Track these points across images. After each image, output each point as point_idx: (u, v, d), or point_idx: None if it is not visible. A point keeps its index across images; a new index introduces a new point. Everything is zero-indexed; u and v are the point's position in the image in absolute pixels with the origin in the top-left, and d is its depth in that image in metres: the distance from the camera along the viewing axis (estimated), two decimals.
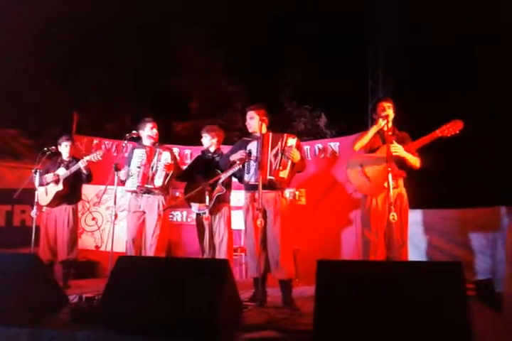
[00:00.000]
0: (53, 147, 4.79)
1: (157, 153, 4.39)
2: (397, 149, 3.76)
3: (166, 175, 4.33)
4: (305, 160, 4.16)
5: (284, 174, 3.78)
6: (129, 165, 4.40)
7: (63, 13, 7.35)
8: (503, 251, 4.22)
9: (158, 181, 4.30)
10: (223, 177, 4.31)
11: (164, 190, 4.42)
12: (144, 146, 4.48)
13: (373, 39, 8.17)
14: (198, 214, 4.58)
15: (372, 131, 3.98)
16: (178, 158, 5.82)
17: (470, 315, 2.14)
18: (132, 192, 4.42)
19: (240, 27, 8.97)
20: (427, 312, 2.17)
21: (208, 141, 4.67)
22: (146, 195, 4.40)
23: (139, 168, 4.33)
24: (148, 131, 4.49)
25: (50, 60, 7.72)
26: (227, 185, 4.48)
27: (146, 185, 4.30)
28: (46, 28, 7.16)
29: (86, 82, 8.21)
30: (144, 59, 9.13)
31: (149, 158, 4.37)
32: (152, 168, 4.35)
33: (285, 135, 3.90)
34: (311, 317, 2.39)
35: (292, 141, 3.87)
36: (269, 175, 3.76)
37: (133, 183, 4.33)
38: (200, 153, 4.95)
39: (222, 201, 4.49)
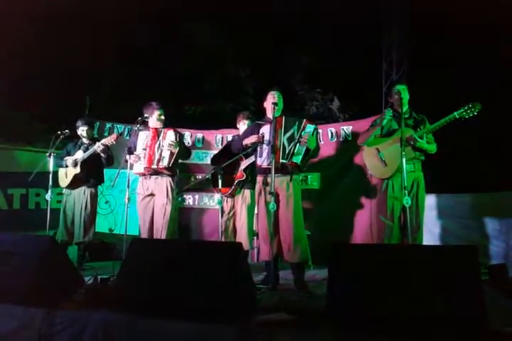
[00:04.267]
0: (67, 130, 4.82)
1: (162, 134, 4.39)
2: (420, 144, 3.77)
3: (171, 155, 4.32)
4: (319, 147, 4.14)
5: (297, 159, 3.77)
6: (135, 149, 4.42)
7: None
8: None
9: (164, 161, 4.30)
10: (244, 164, 4.35)
11: (171, 170, 4.42)
12: (149, 128, 4.49)
13: (388, 21, 8.03)
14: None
15: (375, 129, 4.00)
16: (188, 140, 5.83)
17: (484, 299, 2.13)
18: (140, 174, 4.44)
19: (251, 11, 8.86)
20: (441, 296, 2.17)
21: (245, 126, 4.67)
22: (154, 176, 4.41)
23: (144, 149, 4.35)
24: (153, 116, 4.48)
25: (61, 44, 7.70)
26: (252, 170, 4.48)
27: (152, 166, 4.31)
28: (56, 12, 7.13)
29: (98, 66, 8.20)
30: (155, 44, 9.08)
31: (154, 139, 4.38)
32: (158, 148, 4.35)
33: (304, 120, 3.87)
34: (323, 299, 2.40)
35: (311, 128, 3.85)
36: (282, 158, 3.75)
37: (140, 165, 4.35)
38: (232, 138, 5.00)
39: (244, 187, 4.55)
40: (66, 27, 7.58)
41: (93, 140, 5.00)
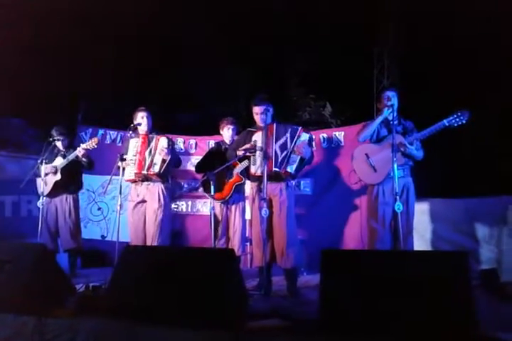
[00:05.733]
0: (59, 137, 4.82)
1: (154, 140, 4.39)
2: (410, 151, 3.80)
3: (163, 162, 4.32)
4: (313, 155, 4.16)
5: (291, 169, 3.79)
6: (126, 155, 4.41)
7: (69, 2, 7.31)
8: (508, 241, 4.23)
9: (156, 167, 4.30)
10: (240, 167, 4.35)
11: (163, 177, 4.41)
12: (139, 135, 4.49)
13: (379, 27, 8.09)
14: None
15: (377, 121, 3.98)
16: (181, 147, 5.86)
17: (475, 304, 2.14)
18: (131, 181, 4.43)
19: (245, 15, 8.88)
20: (432, 301, 2.18)
21: (231, 132, 4.71)
22: (146, 182, 4.41)
23: (134, 156, 4.35)
24: (139, 120, 4.48)
25: (54, 49, 7.68)
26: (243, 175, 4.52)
27: (142, 172, 4.30)
28: (50, 13, 7.11)
29: (91, 70, 8.19)
30: (147, 49, 9.08)
31: (144, 145, 4.38)
32: (149, 154, 4.34)
33: (299, 129, 3.89)
34: (316, 306, 2.40)
35: (306, 136, 3.87)
36: (275, 166, 3.77)
37: (130, 172, 4.34)
38: (215, 144, 5.01)
39: (239, 191, 4.56)
40: (62, 30, 7.55)
41: (70, 146, 4.98)
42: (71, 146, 4.99)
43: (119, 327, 2.46)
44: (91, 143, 4.59)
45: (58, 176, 4.76)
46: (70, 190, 4.93)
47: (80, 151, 4.63)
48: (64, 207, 4.86)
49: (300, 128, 3.92)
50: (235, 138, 4.56)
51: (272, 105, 4.02)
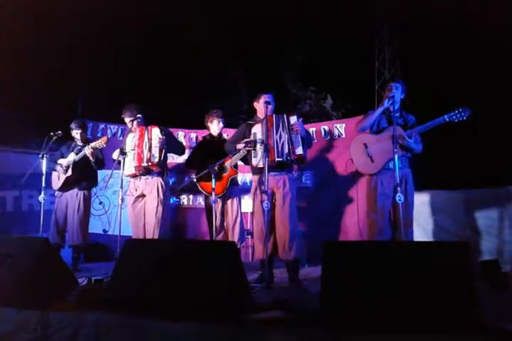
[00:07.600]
0: (59, 131, 4.80)
1: (147, 132, 4.38)
2: (408, 144, 3.78)
3: (161, 151, 4.31)
4: (309, 134, 4.17)
5: (299, 150, 3.79)
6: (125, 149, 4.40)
7: None
8: (510, 232, 4.23)
9: (155, 157, 4.29)
10: (233, 161, 4.34)
11: (162, 167, 4.40)
12: (134, 129, 4.48)
13: (380, 19, 8.05)
14: (206, 197, 4.60)
15: (378, 112, 3.97)
16: (181, 140, 5.85)
17: (477, 295, 2.15)
18: (132, 175, 4.43)
19: (244, 8, 8.83)
20: (433, 292, 2.18)
21: (221, 124, 4.69)
22: (145, 176, 4.40)
23: (133, 150, 4.35)
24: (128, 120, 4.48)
25: (52, 43, 7.66)
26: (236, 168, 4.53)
27: (142, 164, 4.29)
28: (47, 11, 7.09)
29: (91, 66, 8.16)
30: (148, 43, 9.05)
31: (141, 138, 4.36)
32: (145, 146, 4.32)
33: (285, 115, 3.91)
34: (318, 297, 2.41)
35: (294, 118, 3.88)
36: (278, 156, 3.77)
37: (130, 166, 4.34)
38: (202, 138, 4.99)
39: (234, 184, 4.56)
40: (60, 26, 7.53)
41: (87, 142, 4.98)
42: (88, 141, 4.98)
43: (121, 321, 2.47)
44: (100, 142, 4.56)
45: (69, 172, 4.77)
46: (83, 186, 4.93)
47: (88, 149, 4.62)
48: (74, 202, 4.87)
49: (284, 114, 3.92)
50: (223, 130, 4.62)
51: (272, 98, 4.03)
